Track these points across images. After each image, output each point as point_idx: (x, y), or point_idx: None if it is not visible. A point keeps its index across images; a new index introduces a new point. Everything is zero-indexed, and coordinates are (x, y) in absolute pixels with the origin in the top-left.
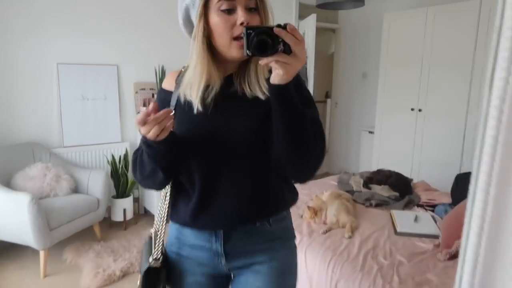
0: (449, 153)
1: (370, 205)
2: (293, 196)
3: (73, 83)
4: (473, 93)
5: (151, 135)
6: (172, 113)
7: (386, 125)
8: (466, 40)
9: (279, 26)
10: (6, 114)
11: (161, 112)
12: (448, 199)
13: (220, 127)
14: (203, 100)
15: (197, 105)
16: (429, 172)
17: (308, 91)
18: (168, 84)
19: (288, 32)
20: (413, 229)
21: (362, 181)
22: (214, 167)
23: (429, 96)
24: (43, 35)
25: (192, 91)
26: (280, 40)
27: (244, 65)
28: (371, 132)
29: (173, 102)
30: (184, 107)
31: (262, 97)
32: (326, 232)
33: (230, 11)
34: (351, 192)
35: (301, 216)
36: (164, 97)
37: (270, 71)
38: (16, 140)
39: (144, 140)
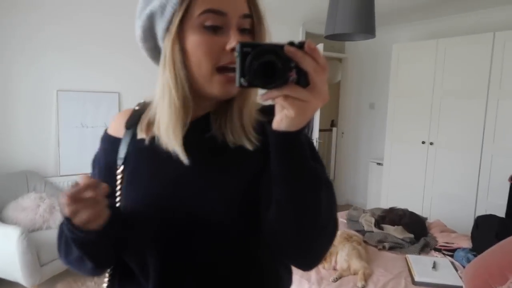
0: (464, 189)
1: (383, 247)
2: (289, 277)
3: (72, 111)
4: (488, 126)
5: (78, 220)
6: (120, 169)
7: (395, 157)
8: (479, 72)
9: (291, 44)
10: (2, 142)
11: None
12: (467, 243)
13: (189, 192)
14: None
15: (179, 153)
16: (442, 208)
17: (308, 138)
18: (115, 129)
19: (306, 53)
20: (432, 279)
21: (373, 220)
22: (177, 253)
23: (440, 129)
24: (44, 62)
25: (170, 137)
26: (293, 65)
27: (224, 103)
28: (379, 164)
29: (121, 154)
30: (140, 159)
31: (249, 147)
32: (336, 279)
33: (216, 29)
34: (362, 232)
35: None
36: (109, 146)
37: (264, 111)
38: (11, 168)
39: (65, 223)
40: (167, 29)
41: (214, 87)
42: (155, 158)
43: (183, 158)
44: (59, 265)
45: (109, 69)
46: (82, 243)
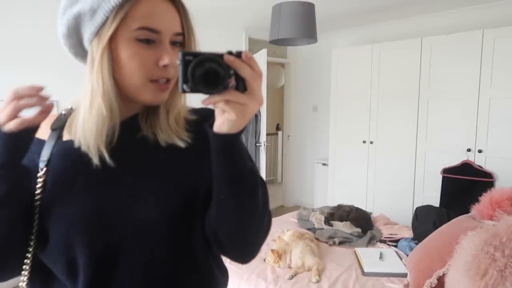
0: (402, 183)
1: (334, 243)
2: (224, 278)
3: None
4: (420, 124)
5: (6, 114)
6: (42, 172)
7: (339, 157)
8: (410, 75)
9: (230, 53)
10: None
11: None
12: (409, 233)
13: (120, 195)
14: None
15: (95, 158)
16: (384, 203)
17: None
18: (40, 130)
19: (243, 61)
20: (380, 268)
21: (323, 218)
22: (110, 254)
23: (379, 129)
24: None
25: (92, 139)
26: (232, 72)
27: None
28: (324, 164)
29: (44, 156)
30: (65, 162)
31: (181, 145)
32: (292, 277)
33: (149, 42)
34: (312, 229)
35: (264, 260)
36: (32, 148)
37: (195, 111)
38: None
39: None
40: (96, 33)
41: (146, 95)
42: (82, 161)
43: (92, 163)
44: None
45: (45, 76)
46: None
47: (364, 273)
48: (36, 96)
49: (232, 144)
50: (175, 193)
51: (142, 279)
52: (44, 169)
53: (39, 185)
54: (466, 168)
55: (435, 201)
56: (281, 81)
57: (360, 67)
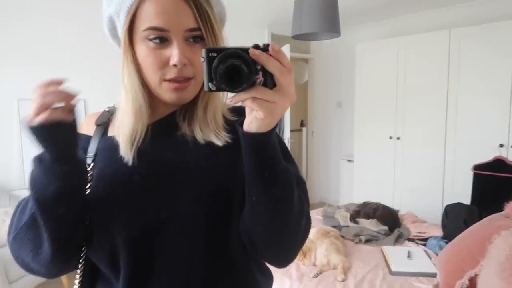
0: (431, 180)
1: (360, 241)
2: (267, 281)
3: None
4: (449, 120)
5: (34, 110)
6: (90, 166)
7: (365, 154)
8: (438, 69)
9: (257, 46)
10: None
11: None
12: (438, 232)
13: (160, 189)
14: (137, 149)
15: (131, 156)
16: (412, 200)
17: (280, 138)
18: (86, 127)
19: (271, 55)
20: (408, 268)
21: (349, 215)
22: (148, 253)
23: (406, 124)
24: (4, 70)
25: (126, 137)
26: (259, 67)
27: (192, 99)
28: (350, 161)
29: (91, 152)
30: (108, 158)
31: (219, 143)
32: (317, 275)
33: (162, 40)
34: (338, 227)
35: None
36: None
37: (235, 110)
38: None
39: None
40: (121, 37)
41: (164, 95)
42: (123, 158)
43: (129, 160)
44: (29, 280)
45: (73, 76)
46: (45, 176)
47: (391, 272)
48: (56, 89)
49: (262, 144)
50: (212, 191)
51: (180, 275)
52: (92, 164)
53: (88, 179)
54: (498, 164)
55: (466, 199)
56: (305, 77)
57: (385, 61)
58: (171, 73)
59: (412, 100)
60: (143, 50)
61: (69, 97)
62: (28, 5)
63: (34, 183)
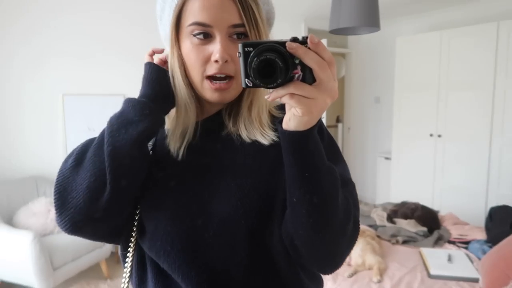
0: (474, 180)
1: (397, 242)
2: (317, 285)
3: (79, 114)
4: (496, 117)
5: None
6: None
7: (403, 151)
8: (484, 63)
9: (295, 39)
10: (10, 148)
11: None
12: (481, 235)
13: (203, 187)
14: (186, 145)
15: (180, 151)
16: (452, 201)
17: (331, 137)
18: None
19: (309, 49)
20: (448, 271)
21: (385, 215)
22: (191, 245)
23: (448, 121)
24: (49, 66)
25: (175, 133)
26: (297, 62)
27: (237, 98)
28: (387, 158)
29: (151, 141)
30: (161, 151)
31: (264, 142)
32: (352, 275)
33: (206, 36)
34: (374, 226)
35: None
36: None
37: (282, 107)
38: (20, 173)
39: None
40: (166, 33)
41: (205, 93)
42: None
43: (178, 157)
44: (71, 268)
45: (114, 71)
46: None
47: (430, 276)
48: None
49: (301, 143)
50: (256, 190)
51: (220, 284)
52: (151, 152)
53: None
54: None
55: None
56: (342, 72)
57: (427, 55)
58: (212, 69)
59: (455, 96)
60: (187, 46)
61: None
62: (73, 4)
63: (122, 120)
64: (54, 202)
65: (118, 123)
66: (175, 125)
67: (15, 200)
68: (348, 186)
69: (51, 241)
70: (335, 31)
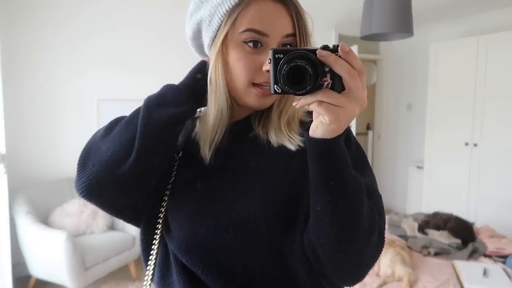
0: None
1: (428, 253)
2: None
3: (112, 119)
4: None
5: None
6: (177, 159)
7: (436, 160)
8: None
9: (325, 47)
10: (47, 150)
11: None
12: None
13: (226, 189)
14: (215, 148)
15: (208, 153)
16: (489, 213)
17: (360, 146)
18: None
19: (339, 57)
20: (483, 286)
21: (416, 225)
22: (211, 245)
23: (484, 130)
24: (86, 72)
25: (205, 137)
26: (327, 70)
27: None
28: (419, 167)
29: (180, 142)
30: (189, 153)
31: (291, 147)
32: (380, 286)
33: (256, 45)
34: (404, 237)
35: None
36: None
37: (309, 113)
38: (56, 175)
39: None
40: (213, 39)
41: (249, 99)
42: (203, 157)
43: (207, 158)
44: (102, 269)
45: (149, 78)
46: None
47: None
48: None
49: (327, 151)
50: (280, 195)
51: (240, 275)
52: (180, 153)
53: (174, 167)
54: None
55: None
56: (373, 79)
57: (462, 61)
58: (262, 78)
59: (492, 103)
60: (237, 53)
61: None
62: (107, 15)
63: (160, 101)
64: (77, 166)
65: (157, 103)
66: (207, 129)
67: (51, 201)
68: (374, 197)
69: (84, 242)
70: (366, 37)
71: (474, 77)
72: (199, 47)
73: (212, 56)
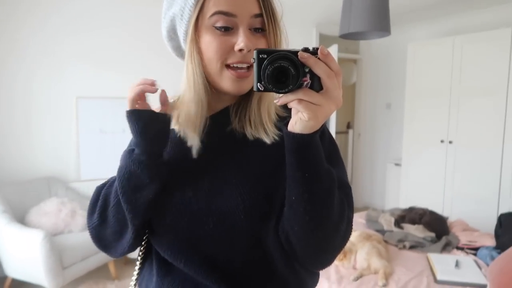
0: (485, 187)
1: (404, 247)
2: (313, 279)
3: (92, 117)
4: (508, 123)
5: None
6: None
7: (414, 158)
8: (498, 69)
9: (306, 49)
10: (23, 149)
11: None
12: (491, 241)
13: (205, 183)
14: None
15: (196, 149)
16: (463, 208)
17: (333, 141)
18: None
19: (319, 59)
20: (455, 277)
21: (393, 220)
22: (192, 239)
23: (459, 128)
24: (64, 70)
25: (188, 131)
26: (307, 70)
27: (245, 95)
28: (397, 164)
29: None
30: (169, 151)
31: (267, 141)
32: (357, 278)
33: (227, 29)
34: (381, 231)
35: None
36: None
37: (284, 106)
38: (33, 175)
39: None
40: (187, 32)
41: (225, 83)
42: (181, 150)
43: (195, 152)
44: (80, 268)
45: (128, 75)
46: (143, 141)
47: (436, 281)
48: (152, 85)
49: (304, 145)
50: (256, 187)
51: (221, 262)
52: None
53: None
54: None
55: None
56: (353, 78)
57: (439, 61)
58: (235, 58)
59: (467, 102)
60: (208, 37)
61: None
62: (86, 12)
63: (134, 184)
64: (100, 249)
65: (131, 188)
66: (187, 122)
67: (28, 200)
68: (344, 188)
69: (62, 241)
70: (345, 36)
71: (450, 77)
72: (177, 49)
73: (187, 48)
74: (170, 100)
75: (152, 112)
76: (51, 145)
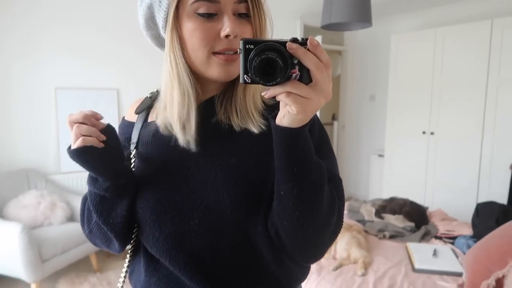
0: (465, 178)
1: (384, 236)
2: (303, 272)
3: (71, 108)
4: (488, 114)
5: (80, 141)
6: (132, 153)
7: (396, 149)
8: (478, 61)
9: (295, 40)
10: (1, 141)
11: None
12: (468, 230)
13: (191, 174)
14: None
15: (185, 141)
16: (444, 198)
17: (324, 132)
18: (130, 114)
19: (308, 50)
20: (432, 266)
21: (374, 210)
22: (178, 233)
23: (441, 119)
24: (42, 60)
25: (172, 123)
26: (296, 62)
27: (230, 84)
28: (381, 156)
29: (134, 138)
30: (149, 144)
31: (255, 130)
32: (336, 268)
33: (210, 16)
34: (362, 221)
35: None
36: (123, 130)
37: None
38: (12, 166)
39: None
40: (166, 19)
41: (213, 71)
42: (164, 144)
43: (193, 146)
44: (61, 260)
45: (107, 66)
46: (96, 189)
47: (414, 270)
48: (89, 120)
49: (293, 139)
50: (243, 180)
51: (207, 259)
52: (134, 150)
53: (131, 165)
54: None
55: (502, 198)
56: (338, 70)
57: (421, 53)
58: (222, 45)
59: (448, 93)
60: (192, 24)
61: (96, 132)
62: (65, 2)
63: (108, 206)
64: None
65: (106, 209)
66: (171, 113)
67: (5, 193)
68: (334, 181)
69: (41, 234)
70: (327, 27)
71: (432, 68)
72: (156, 38)
73: (167, 37)
74: (148, 94)
75: (94, 149)
76: (30, 137)
